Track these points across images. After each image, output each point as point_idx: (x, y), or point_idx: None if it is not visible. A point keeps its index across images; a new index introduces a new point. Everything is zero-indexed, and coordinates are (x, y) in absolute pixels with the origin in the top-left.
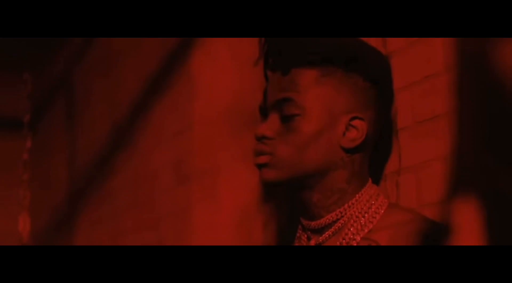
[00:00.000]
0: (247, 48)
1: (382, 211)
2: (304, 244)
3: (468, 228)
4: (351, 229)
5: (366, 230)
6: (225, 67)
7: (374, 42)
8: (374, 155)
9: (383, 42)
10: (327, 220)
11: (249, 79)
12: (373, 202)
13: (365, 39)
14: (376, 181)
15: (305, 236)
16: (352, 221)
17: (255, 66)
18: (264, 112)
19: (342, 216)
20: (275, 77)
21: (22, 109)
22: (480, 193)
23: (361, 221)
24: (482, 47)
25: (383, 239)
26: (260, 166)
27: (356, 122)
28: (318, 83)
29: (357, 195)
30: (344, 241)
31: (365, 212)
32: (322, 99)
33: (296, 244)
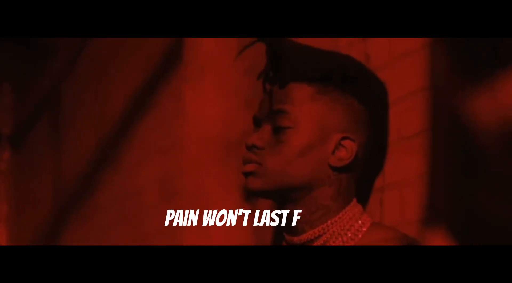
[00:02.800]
0: (234, 74)
1: (365, 229)
2: None
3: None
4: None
5: None
6: (212, 92)
7: (357, 57)
8: (363, 175)
9: (366, 58)
10: (310, 236)
11: (235, 101)
12: (356, 220)
13: (348, 42)
14: (363, 200)
15: None
16: (334, 237)
17: (257, 80)
18: (257, 122)
19: (325, 233)
20: (272, 89)
21: (1, 120)
22: (455, 214)
23: (344, 239)
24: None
25: None
26: (246, 174)
27: (346, 142)
28: (313, 99)
29: (340, 213)
30: None
31: (348, 230)
32: (316, 115)
33: None
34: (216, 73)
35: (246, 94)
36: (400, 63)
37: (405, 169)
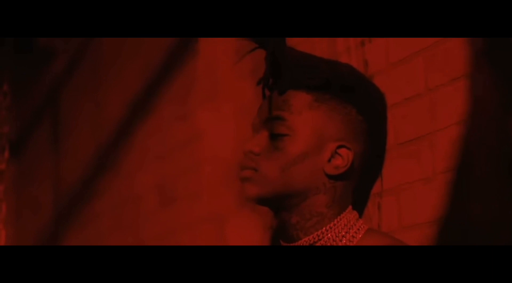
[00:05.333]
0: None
1: (360, 236)
2: None
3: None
4: None
5: None
6: (226, 112)
7: (355, 64)
8: (359, 183)
9: (364, 64)
10: (304, 243)
11: (249, 120)
12: (350, 227)
13: (346, 47)
14: (360, 207)
15: None
16: (328, 244)
17: (257, 85)
18: (255, 128)
19: (320, 239)
20: (271, 95)
21: (0, 121)
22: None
23: (338, 245)
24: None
25: None
26: (243, 180)
27: (342, 151)
28: (311, 107)
29: (335, 220)
30: None
31: (343, 236)
32: (313, 123)
33: None
34: (230, 94)
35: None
36: (398, 69)
37: (403, 174)
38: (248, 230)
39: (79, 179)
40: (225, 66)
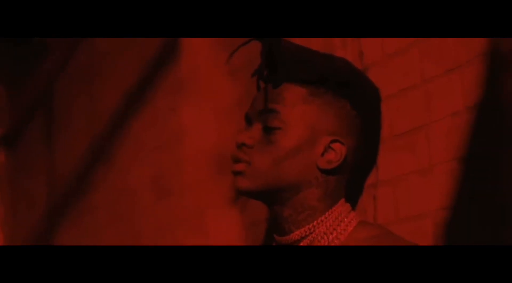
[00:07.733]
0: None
1: (351, 228)
2: None
3: None
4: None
5: None
6: (208, 108)
7: (351, 55)
8: (352, 177)
9: (360, 55)
10: (296, 236)
11: (230, 116)
12: (342, 220)
13: (342, 39)
14: (353, 200)
15: None
16: (319, 237)
17: (252, 77)
18: (249, 120)
19: (311, 233)
20: (266, 88)
21: None
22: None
23: (329, 238)
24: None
25: None
26: (235, 173)
27: (336, 145)
28: (305, 101)
29: (326, 213)
30: None
31: (334, 229)
32: (306, 117)
33: None
34: (213, 89)
35: (242, 109)
36: (393, 60)
37: (399, 165)
38: (234, 225)
39: (74, 172)
40: (207, 64)
